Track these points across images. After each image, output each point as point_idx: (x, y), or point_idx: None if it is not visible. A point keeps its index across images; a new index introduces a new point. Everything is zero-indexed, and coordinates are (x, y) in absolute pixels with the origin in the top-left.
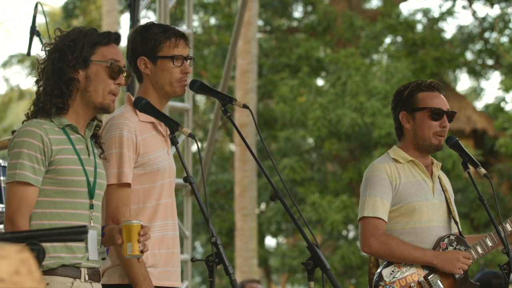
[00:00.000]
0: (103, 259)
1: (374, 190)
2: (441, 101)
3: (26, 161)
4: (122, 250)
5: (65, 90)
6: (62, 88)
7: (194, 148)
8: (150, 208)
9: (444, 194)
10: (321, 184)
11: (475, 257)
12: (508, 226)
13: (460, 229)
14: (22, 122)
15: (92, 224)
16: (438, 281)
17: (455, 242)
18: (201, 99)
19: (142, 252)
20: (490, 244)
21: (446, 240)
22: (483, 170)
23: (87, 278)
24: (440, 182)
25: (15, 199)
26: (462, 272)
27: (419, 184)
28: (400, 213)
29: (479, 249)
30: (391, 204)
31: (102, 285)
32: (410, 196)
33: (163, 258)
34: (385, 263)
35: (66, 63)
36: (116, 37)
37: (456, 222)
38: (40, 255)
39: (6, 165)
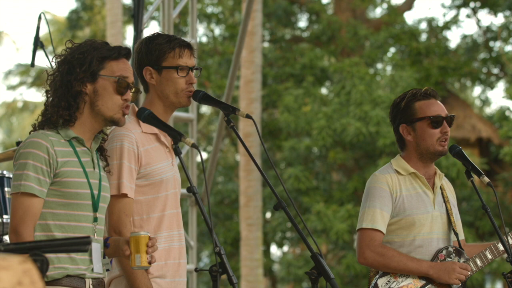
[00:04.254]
0: (107, 270)
1: (374, 201)
2: (438, 108)
3: (31, 172)
4: (130, 262)
5: (72, 103)
6: (69, 100)
7: (199, 158)
8: (155, 219)
9: (446, 205)
10: (326, 194)
11: (474, 269)
12: None
13: (460, 241)
14: (29, 133)
15: (95, 237)
16: None
17: (454, 254)
18: (206, 109)
19: (150, 263)
20: (490, 256)
21: (444, 252)
22: (486, 179)
23: None
24: (442, 193)
25: (20, 210)
26: (460, 283)
27: (419, 196)
28: (400, 226)
29: (478, 262)
30: (391, 216)
31: None
32: (409, 208)
33: (171, 269)
34: (381, 272)
35: (73, 76)
36: (126, 52)
37: (456, 234)
38: (43, 266)
39: (11, 176)
